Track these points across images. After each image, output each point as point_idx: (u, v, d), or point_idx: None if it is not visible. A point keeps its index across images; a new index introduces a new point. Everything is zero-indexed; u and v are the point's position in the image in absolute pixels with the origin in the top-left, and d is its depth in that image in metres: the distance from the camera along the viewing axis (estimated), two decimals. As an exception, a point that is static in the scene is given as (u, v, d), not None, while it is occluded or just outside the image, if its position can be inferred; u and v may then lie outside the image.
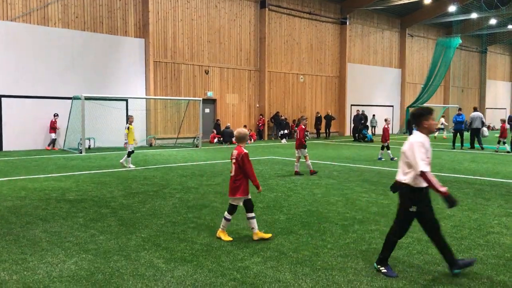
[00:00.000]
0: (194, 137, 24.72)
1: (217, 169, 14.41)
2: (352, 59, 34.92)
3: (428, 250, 6.00)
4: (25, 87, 20.56)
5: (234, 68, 28.05)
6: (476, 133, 22.41)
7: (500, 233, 6.93)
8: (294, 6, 30.62)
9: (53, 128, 21.06)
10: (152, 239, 6.52)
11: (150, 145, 23.98)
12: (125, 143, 14.58)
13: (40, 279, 5.03)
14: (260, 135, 29.11)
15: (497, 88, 50.96)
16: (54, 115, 21.08)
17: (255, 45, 28.99)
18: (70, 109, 21.32)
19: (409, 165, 4.99)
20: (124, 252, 5.95)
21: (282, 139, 27.75)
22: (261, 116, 29.26)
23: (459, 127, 22.60)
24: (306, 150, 13.25)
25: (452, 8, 34.67)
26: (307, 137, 12.79)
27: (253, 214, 6.50)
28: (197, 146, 23.21)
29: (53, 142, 21.13)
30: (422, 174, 4.83)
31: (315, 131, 31.80)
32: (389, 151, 17.12)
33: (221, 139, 25.85)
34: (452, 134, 23.51)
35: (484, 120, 23.10)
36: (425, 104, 35.88)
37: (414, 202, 5.00)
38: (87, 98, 20.15)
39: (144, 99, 24.06)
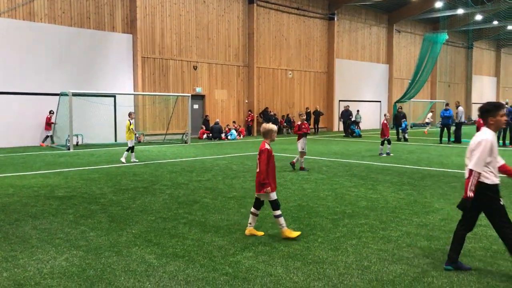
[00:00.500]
0: (183, 133, 24.65)
1: (207, 165, 14.41)
2: (340, 55, 35.05)
3: (417, 243, 6.09)
4: (11, 83, 20.30)
5: (223, 64, 27.99)
6: (460, 127, 22.80)
7: (487, 225, 6.99)
8: (282, 1, 30.61)
9: (48, 124, 21.02)
10: (143, 235, 6.52)
11: (139, 141, 23.85)
12: (138, 137, 14.36)
13: (31, 276, 5.01)
14: (249, 131, 29.13)
15: (483, 83, 51.60)
16: (50, 112, 21.03)
17: (244, 40, 28.95)
18: (58, 106, 21.13)
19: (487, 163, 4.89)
20: (115, 248, 5.95)
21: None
22: (249, 112, 29.27)
23: (447, 121, 22.90)
24: (298, 143, 13.27)
25: (439, 4, 34.97)
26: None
27: (279, 212, 6.34)
28: (186, 142, 23.15)
29: (50, 138, 21.14)
30: (471, 170, 4.81)
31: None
32: (389, 146, 17.26)
33: (210, 135, 25.81)
34: (439, 129, 23.80)
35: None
36: (412, 100, 36.24)
37: (496, 196, 4.94)
38: (74, 94, 19.98)
39: (132, 95, 23.93)
